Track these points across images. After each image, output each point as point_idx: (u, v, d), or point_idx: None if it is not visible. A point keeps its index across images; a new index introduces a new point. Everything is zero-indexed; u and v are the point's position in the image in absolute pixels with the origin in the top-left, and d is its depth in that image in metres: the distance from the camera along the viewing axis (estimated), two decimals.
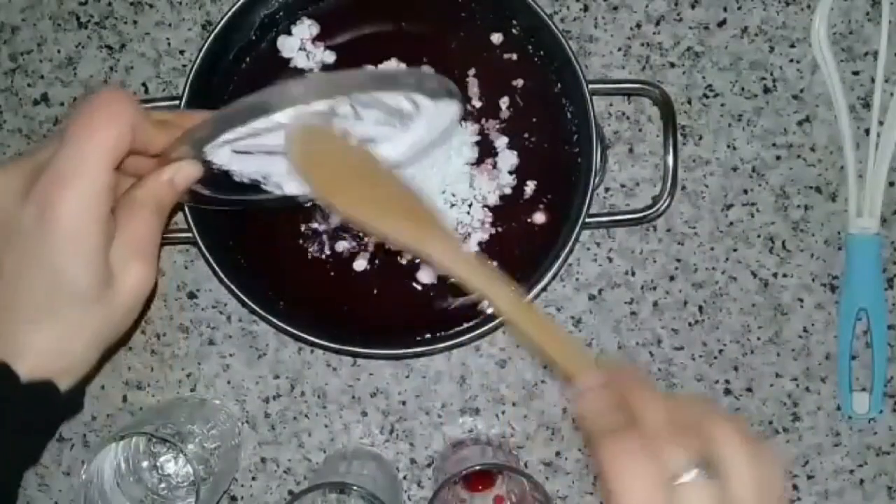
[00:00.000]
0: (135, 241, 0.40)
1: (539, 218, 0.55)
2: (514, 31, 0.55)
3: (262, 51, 0.55)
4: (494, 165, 0.55)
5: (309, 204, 0.51)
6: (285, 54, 0.55)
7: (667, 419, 0.33)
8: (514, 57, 0.55)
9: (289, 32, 0.55)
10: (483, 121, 0.55)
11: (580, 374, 0.37)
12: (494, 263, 0.54)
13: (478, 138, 0.54)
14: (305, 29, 0.54)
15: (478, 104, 0.55)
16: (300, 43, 0.55)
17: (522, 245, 0.54)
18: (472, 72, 0.55)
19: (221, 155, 0.44)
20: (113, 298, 0.39)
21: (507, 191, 0.55)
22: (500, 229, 0.54)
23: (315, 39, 0.55)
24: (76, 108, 0.39)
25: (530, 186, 0.55)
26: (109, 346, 0.41)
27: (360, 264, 0.55)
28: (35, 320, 0.39)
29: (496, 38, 0.55)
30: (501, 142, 0.54)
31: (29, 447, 0.41)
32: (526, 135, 0.55)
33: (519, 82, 0.55)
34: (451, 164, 0.54)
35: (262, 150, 0.45)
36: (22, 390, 0.38)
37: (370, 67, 0.54)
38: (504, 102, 0.55)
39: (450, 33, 0.55)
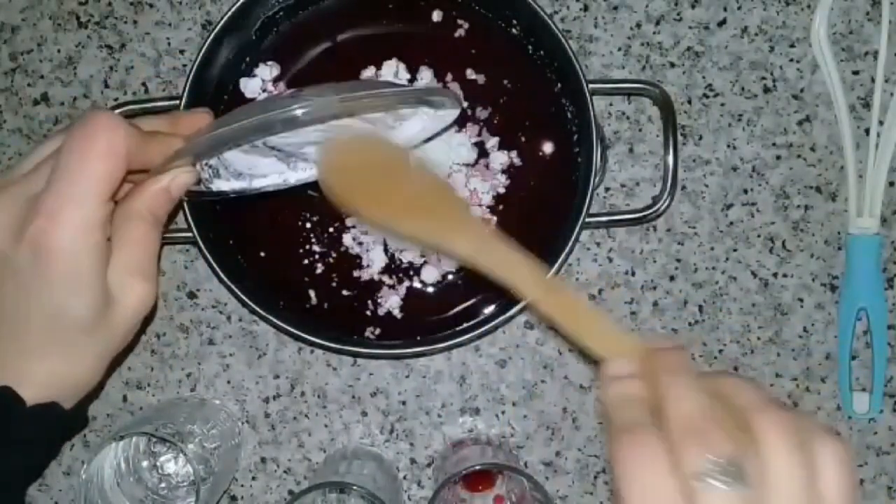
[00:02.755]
0: (133, 261, 0.39)
1: (538, 217, 0.55)
2: (514, 30, 0.55)
3: (260, 51, 0.55)
4: (487, 166, 0.55)
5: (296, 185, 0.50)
6: (248, 95, 0.55)
7: (701, 412, 0.28)
8: (514, 57, 0.55)
9: (251, 74, 0.54)
10: (481, 121, 0.55)
11: (610, 359, 0.33)
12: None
13: (477, 139, 0.54)
14: (267, 71, 0.54)
15: (475, 104, 0.55)
16: (262, 84, 0.55)
17: (522, 245, 0.54)
18: (469, 72, 0.55)
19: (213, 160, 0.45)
20: (113, 320, 0.39)
21: (501, 190, 0.55)
22: (498, 229, 0.54)
23: (275, 80, 0.55)
24: (68, 134, 0.38)
25: (529, 186, 0.55)
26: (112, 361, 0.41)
27: (362, 263, 0.55)
28: (37, 351, 0.38)
29: (495, 37, 0.55)
30: (494, 142, 0.54)
31: (35, 465, 0.41)
32: (526, 135, 0.55)
33: (518, 82, 0.55)
34: (448, 165, 0.54)
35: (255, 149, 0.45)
36: (28, 413, 0.38)
37: (373, 80, 0.53)
38: (502, 102, 0.55)
39: (448, 33, 0.55)
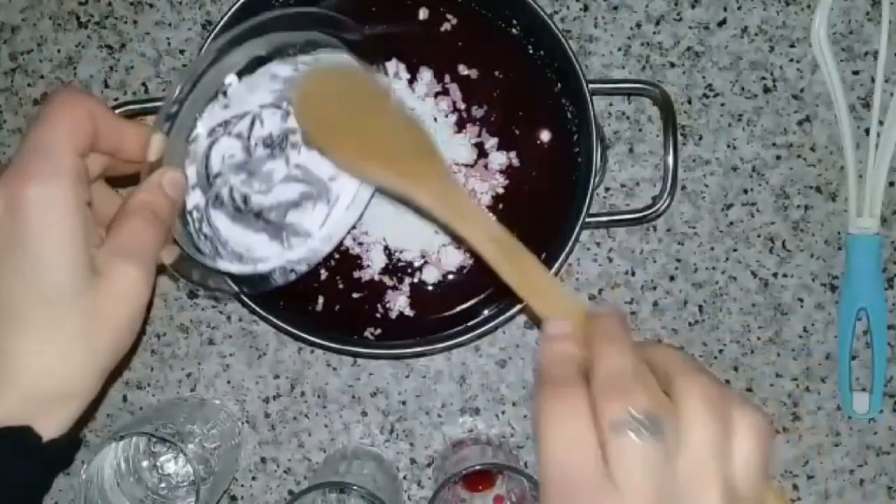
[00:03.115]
0: (124, 244, 0.38)
1: (538, 217, 0.54)
2: (514, 30, 0.55)
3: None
4: (486, 166, 0.55)
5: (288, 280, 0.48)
6: None
7: (627, 371, 0.30)
8: (514, 56, 0.55)
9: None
10: (478, 120, 0.55)
11: (552, 318, 0.34)
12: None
13: (476, 140, 0.54)
14: None
15: (472, 102, 0.55)
16: None
17: (522, 244, 0.54)
18: (462, 67, 0.55)
19: (215, 217, 0.46)
20: (99, 299, 0.36)
21: (500, 190, 0.55)
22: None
23: None
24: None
25: (528, 186, 0.55)
26: (109, 368, 0.38)
27: (362, 263, 0.55)
28: (21, 326, 0.35)
29: (487, 32, 0.55)
30: (493, 142, 0.54)
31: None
32: (525, 135, 0.55)
33: (515, 77, 0.55)
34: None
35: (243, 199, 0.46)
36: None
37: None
38: (497, 96, 0.55)
39: (436, 29, 0.55)
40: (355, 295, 0.55)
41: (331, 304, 0.55)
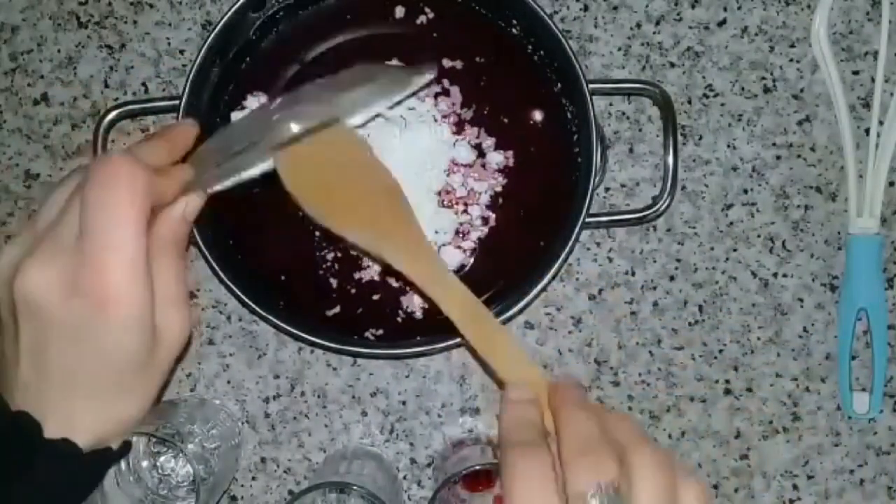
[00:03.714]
0: (170, 293, 0.40)
1: (538, 217, 0.55)
2: (514, 30, 0.55)
3: (261, 52, 0.55)
4: (484, 166, 0.55)
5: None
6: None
7: (588, 440, 0.32)
8: (514, 57, 0.55)
9: (241, 107, 0.54)
10: (479, 121, 0.55)
11: (511, 384, 0.36)
12: (493, 262, 0.54)
13: (477, 141, 0.54)
14: (256, 101, 0.54)
15: (474, 104, 0.55)
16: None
17: (522, 244, 0.54)
18: (446, 61, 0.55)
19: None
20: (159, 354, 0.40)
21: (498, 189, 0.55)
22: (498, 228, 0.55)
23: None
24: (89, 183, 0.38)
25: (527, 186, 0.55)
26: (155, 390, 0.42)
27: (363, 262, 0.55)
28: (88, 397, 0.39)
29: (495, 38, 0.55)
30: (491, 142, 0.54)
31: None
32: (525, 135, 0.55)
33: (518, 82, 0.55)
34: (445, 165, 0.54)
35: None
36: (87, 459, 0.39)
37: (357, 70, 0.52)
38: (501, 102, 0.55)
39: (447, 33, 0.55)
40: (358, 295, 0.55)
41: (334, 305, 0.55)
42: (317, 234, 0.55)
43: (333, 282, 0.55)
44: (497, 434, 0.36)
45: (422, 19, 0.55)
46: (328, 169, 0.44)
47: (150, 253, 0.40)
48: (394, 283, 0.55)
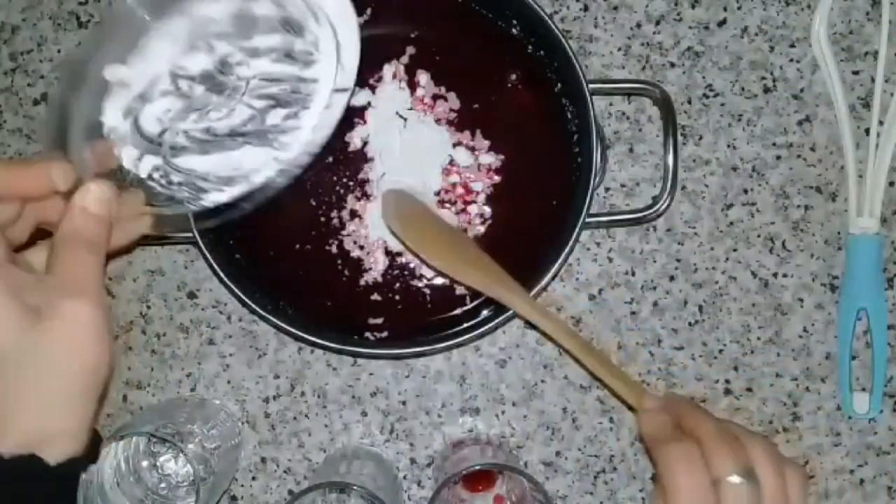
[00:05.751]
0: (63, 281, 0.37)
1: (538, 217, 0.55)
2: (514, 30, 0.55)
3: None
4: (483, 166, 0.55)
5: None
6: None
7: (716, 434, 0.39)
8: (514, 57, 0.55)
9: None
10: (477, 122, 0.55)
11: (641, 399, 0.44)
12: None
13: (475, 141, 0.55)
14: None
15: (472, 104, 0.55)
16: None
17: (521, 244, 0.54)
18: (466, 73, 0.55)
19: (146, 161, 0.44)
20: (54, 342, 0.36)
21: (498, 189, 0.55)
22: (497, 228, 0.55)
23: None
24: None
25: (528, 186, 0.55)
26: (92, 404, 0.38)
27: (364, 264, 0.55)
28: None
29: (495, 38, 0.55)
30: (489, 142, 0.55)
31: None
32: (525, 135, 0.55)
33: (518, 82, 0.55)
34: (444, 165, 0.54)
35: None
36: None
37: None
38: (501, 101, 0.55)
39: (447, 33, 0.55)
40: (355, 295, 0.55)
41: (336, 304, 0.55)
42: (314, 233, 0.55)
43: (333, 281, 0.55)
44: (641, 437, 0.46)
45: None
46: (418, 220, 0.52)
47: (54, 244, 0.38)
48: (395, 283, 0.55)
